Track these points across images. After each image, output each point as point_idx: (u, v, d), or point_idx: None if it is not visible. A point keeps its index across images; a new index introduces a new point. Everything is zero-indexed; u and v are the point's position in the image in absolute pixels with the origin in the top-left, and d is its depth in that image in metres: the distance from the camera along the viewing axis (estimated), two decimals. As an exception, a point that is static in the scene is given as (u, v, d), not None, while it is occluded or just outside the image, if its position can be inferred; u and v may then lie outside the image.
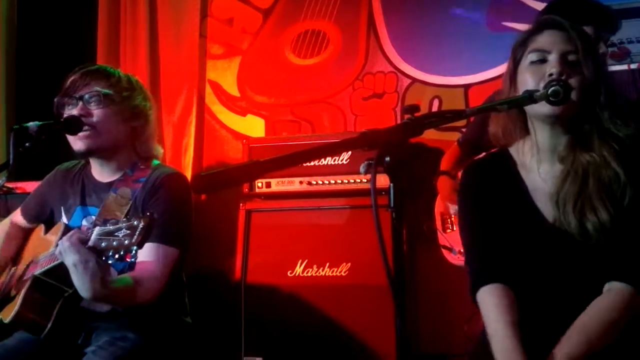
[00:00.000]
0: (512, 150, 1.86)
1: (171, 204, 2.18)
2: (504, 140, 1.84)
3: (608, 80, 1.75)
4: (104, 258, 1.90)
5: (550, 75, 1.69)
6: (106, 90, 2.21)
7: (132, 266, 2.15)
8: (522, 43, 1.78)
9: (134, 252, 1.85)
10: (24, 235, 2.46)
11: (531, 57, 1.74)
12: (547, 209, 1.76)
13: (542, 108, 1.70)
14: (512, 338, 1.65)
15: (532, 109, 1.74)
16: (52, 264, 2.09)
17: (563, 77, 1.68)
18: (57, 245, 2.05)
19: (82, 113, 2.19)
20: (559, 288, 1.74)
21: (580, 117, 1.73)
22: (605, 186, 1.70)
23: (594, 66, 1.71)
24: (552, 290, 1.74)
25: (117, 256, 1.87)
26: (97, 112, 2.20)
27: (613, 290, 1.67)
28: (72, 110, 2.21)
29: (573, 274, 1.72)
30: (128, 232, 1.84)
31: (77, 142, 2.22)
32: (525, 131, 1.81)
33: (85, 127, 2.20)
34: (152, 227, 1.85)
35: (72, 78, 2.25)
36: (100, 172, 2.31)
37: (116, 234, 1.87)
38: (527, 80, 1.73)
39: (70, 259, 1.92)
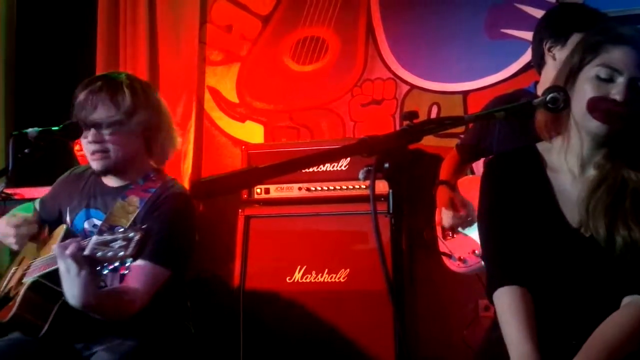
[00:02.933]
0: (541, 148, 1.82)
1: (170, 224, 2.18)
2: (546, 132, 1.79)
3: None
4: (98, 268, 1.90)
5: (614, 100, 1.65)
6: (113, 118, 2.21)
7: (121, 277, 2.16)
8: (595, 47, 1.71)
9: (128, 264, 1.86)
10: (39, 225, 2.45)
11: (599, 71, 1.68)
12: (572, 213, 1.73)
13: (592, 124, 1.67)
14: (528, 342, 1.62)
15: (583, 121, 1.70)
16: (52, 268, 2.09)
17: (626, 106, 1.64)
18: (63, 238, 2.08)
19: (97, 139, 2.22)
20: (576, 293, 1.71)
21: (629, 135, 1.70)
22: None
23: None
24: (570, 295, 1.72)
25: (111, 267, 1.88)
26: (109, 138, 2.23)
27: (632, 305, 1.65)
28: (87, 136, 2.23)
29: (592, 280, 1.70)
30: (124, 243, 1.84)
31: (93, 163, 2.27)
32: (565, 130, 1.77)
33: (100, 150, 2.23)
34: (147, 240, 1.85)
35: (79, 99, 2.26)
36: (110, 178, 2.34)
37: (111, 244, 1.87)
38: (588, 93, 1.68)
39: (64, 265, 1.93)
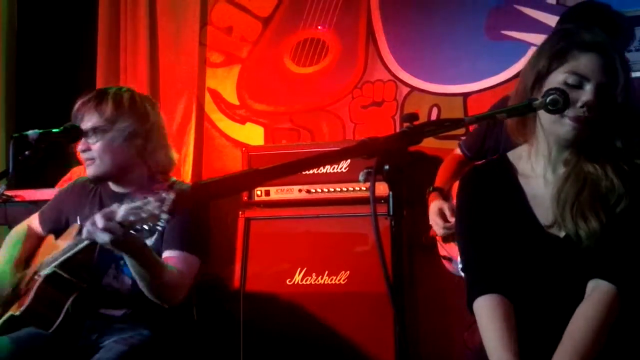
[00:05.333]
0: (512, 157, 1.86)
1: (193, 216, 2.25)
2: (517, 137, 1.82)
3: (634, 109, 1.74)
4: (132, 232, 1.92)
5: (582, 106, 1.68)
6: (96, 125, 2.27)
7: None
8: (562, 54, 1.73)
9: (163, 222, 1.85)
10: (39, 241, 2.50)
11: (567, 78, 1.70)
12: (545, 216, 1.76)
13: (561, 129, 1.70)
14: (508, 349, 1.64)
15: (550, 127, 1.73)
16: (69, 254, 2.14)
17: (594, 111, 1.67)
18: (76, 234, 2.13)
19: (84, 148, 2.29)
20: (557, 294, 1.73)
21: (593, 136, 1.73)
22: (600, 196, 1.70)
23: (626, 99, 1.70)
24: (550, 297, 1.74)
25: (146, 227, 1.88)
26: (94, 146, 2.28)
27: (596, 291, 1.67)
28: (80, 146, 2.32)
29: (571, 279, 1.72)
30: (157, 203, 1.85)
31: (87, 170, 2.33)
32: (532, 135, 1.80)
33: (88, 158, 2.29)
34: (181, 201, 1.83)
35: (73, 111, 2.33)
36: (117, 184, 2.39)
37: (145, 207, 1.88)
38: None
39: (101, 239, 1.95)
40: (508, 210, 1.79)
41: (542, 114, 1.72)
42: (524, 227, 1.77)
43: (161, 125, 2.40)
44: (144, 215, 1.87)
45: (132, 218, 1.89)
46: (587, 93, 1.69)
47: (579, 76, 1.69)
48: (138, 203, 1.89)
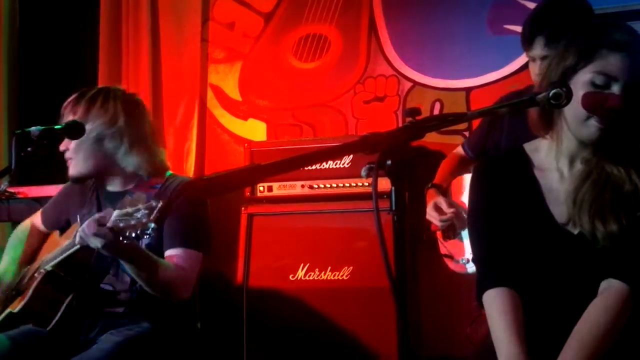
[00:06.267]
0: (529, 149, 1.83)
1: (192, 209, 2.26)
2: (538, 129, 1.80)
3: None
4: (120, 238, 1.96)
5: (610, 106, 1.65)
6: (67, 124, 2.26)
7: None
8: (590, 52, 1.70)
9: (150, 230, 1.91)
10: (43, 237, 2.53)
11: (594, 78, 1.67)
12: (559, 211, 1.74)
13: (587, 130, 1.68)
14: (517, 344, 1.63)
15: (575, 127, 1.71)
16: (64, 255, 2.17)
17: (622, 113, 1.65)
18: (74, 236, 2.14)
19: (64, 148, 2.34)
20: (567, 291, 1.72)
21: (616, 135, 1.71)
22: (622, 199, 1.68)
23: None
24: (561, 293, 1.73)
25: (134, 234, 1.92)
26: (70, 147, 2.33)
27: (608, 290, 1.67)
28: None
29: (583, 276, 1.71)
30: (146, 211, 1.90)
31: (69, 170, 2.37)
32: (555, 130, 1.78)
33: (68, 157, 2.35)
34: (170, 207, 1.93)
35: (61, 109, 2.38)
36: (112, 184, 2.40)
37: (134, 214, 1.92)
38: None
39: (93, 243, 2.00)
40: (522, 202, 1.77)
41: (567, 112, 1.70)
42: (538, 222, 1.75)
43: (138, 128, 2.35)
44: (132, 222, 1.91)
45: (121, 225, 1.93)
46: (614, 93, 1.67)
47: (606, 76, 1.67)
48: (129, 209, 1.93)
